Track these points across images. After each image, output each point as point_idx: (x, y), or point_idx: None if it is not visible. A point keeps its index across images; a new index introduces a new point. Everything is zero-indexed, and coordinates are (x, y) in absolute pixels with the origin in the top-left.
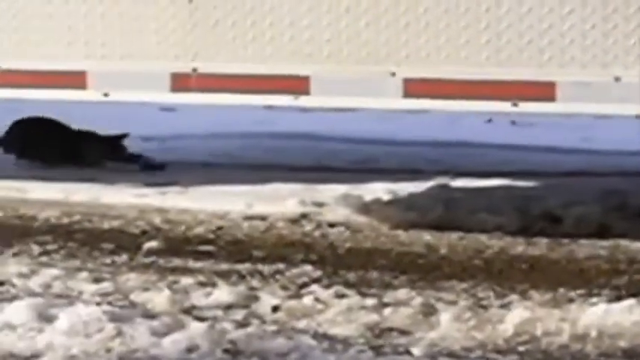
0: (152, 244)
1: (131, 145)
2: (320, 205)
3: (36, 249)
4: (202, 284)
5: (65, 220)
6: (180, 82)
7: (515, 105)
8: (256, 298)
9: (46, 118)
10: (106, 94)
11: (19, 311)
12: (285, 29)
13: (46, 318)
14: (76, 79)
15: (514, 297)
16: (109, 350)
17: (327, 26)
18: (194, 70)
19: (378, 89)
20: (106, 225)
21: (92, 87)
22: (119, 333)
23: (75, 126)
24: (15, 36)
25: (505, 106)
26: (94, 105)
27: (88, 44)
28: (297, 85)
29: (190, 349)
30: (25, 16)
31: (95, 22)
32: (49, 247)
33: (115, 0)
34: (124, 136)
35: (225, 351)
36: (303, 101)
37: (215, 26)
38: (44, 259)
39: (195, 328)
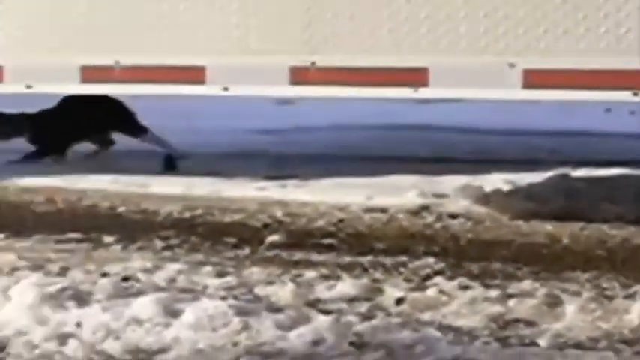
0: (274, 237)
1: (250, 139)
2: (440, 196)
3: (159, 243)
4: (326, 277)
5: (187, 215)
6: (299, 76)
7: (635, 94)
8: (380, 291)
9: None
10: (225, 88)
11: (145, 306)
12: (403, 21)
13: (172, 312)
14: (195, 74)
15: (639, 287)
16: (235, 344)
17: (446, 18)
18: (312, 63)
19: (497, 80)
20: (227, 219)
21: (211, 81)
22: (245, 327)
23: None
24: (135, 32)
25: (624, 96)
26: (213, 99)
27: (207, 39)
28: (416, 77)
29: (316, 342)
30: (144, 12)
31: (214, 16)
32: (172, 241)
33: None
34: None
35: (351, 343)
36: (423, 93)
37: (333, 19)
38: (167, 253)
39: (321, 321)
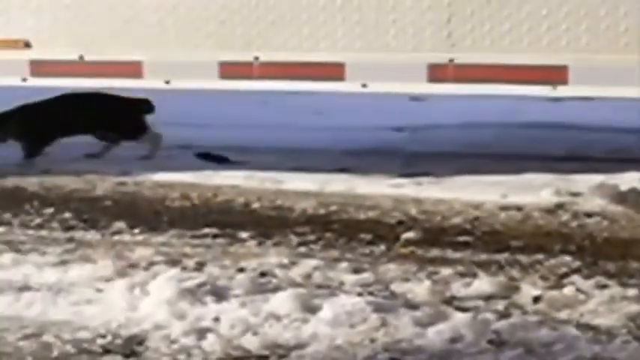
0: (409, 234)
1: (383, 136)
2: (576, 194)
3: (294, 239)
4: (462, 275)
5: (321, 211)
6: (437, 73)
7: None
8: (517, 289)
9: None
10: (364, 85)
11: (283, 302)
12: (542, 19)
13: (309, 308)
14: (334, 71)
15: None
16: (373, 341)
17: (584, 15)
18: (450, 60)
19: (636, 78)
20: (362, 215)
21: (350, 78)
22: (383, 323)
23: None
24: (274, 29)
25: None
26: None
27: (346, 36)
28: (555, 74)
29: (454, 340)
30: (284, 9)
31: (352, 14)
32: (308, 237)
33: None
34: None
35: (490, 341)
36: (562, 91)
37: (472, 17)
38: (303, 249)
39: (458, 318)
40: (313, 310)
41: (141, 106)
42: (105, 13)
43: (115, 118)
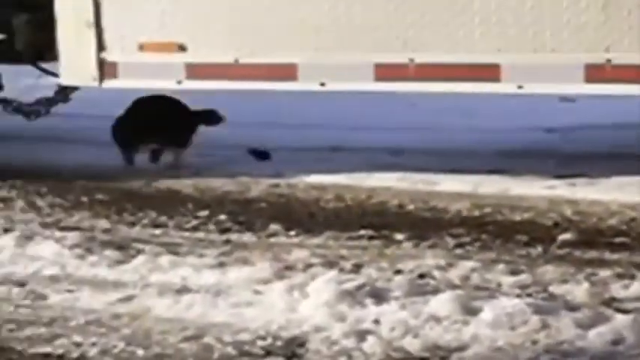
0: (566, 235)
1: (534, 137)
2: None
3: (450, 241)
4: (620, 276)
5: (476, 212)
6: (594, 74)
7: None
8: None
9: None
10: (520, 87)
11: (443, 303)
12: None
13: (469, 310)
14: (490, 72)
15: None
16: (534, 342)
17: None
18: (608, 61)
19: None
20: (517, 217)
21: (506, 80)
22: (544, 325)
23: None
24: (430, 30)
25: None
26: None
27: (502, 37)
28: None
29: (616, 342)
30: (439, 10)
31: (507, 15)
32: (463, 239)
33: None
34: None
35: None
36: None
37: (629, 16)
38: (459, 251)
39: (619, 320)
40: (473, 312)
41: (207, 117)
42: (260, 16)
43: (172, 126)
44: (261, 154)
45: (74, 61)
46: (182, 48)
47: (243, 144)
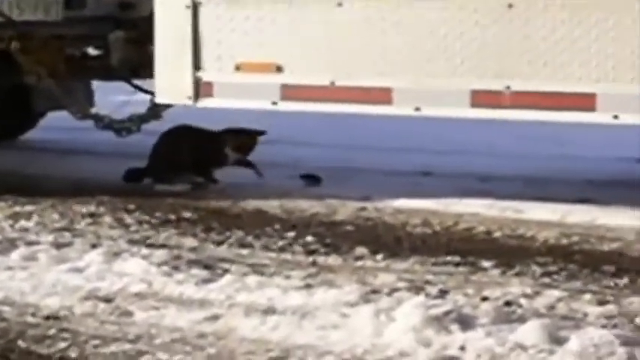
0: None
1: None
2: None
3: (537, 270)
4: None
5: (564, 241)
6: None
7: None
8: None
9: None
10: (615, 117)
11: (529, 332)
12: None
13: (555, 340)
14: (585, 101)
15: None
16: None
17: None
18: None
19: None
20: (605, 247)
21: (601, 109)
22: (631, 357)
23: None
24: (527, 58)
25: None
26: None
27: (599, 67)
28: None
29: None
30: (535, 38)
31: (607, 45)
32: (550, 268)
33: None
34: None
35: None
36: None
37: None
38: (546, 280)
39: None
40: (559, 341)
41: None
42: (357, 39)
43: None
44: (312, 179)
45: (169, 79)
46: (279, 69)
47: (331, 166)
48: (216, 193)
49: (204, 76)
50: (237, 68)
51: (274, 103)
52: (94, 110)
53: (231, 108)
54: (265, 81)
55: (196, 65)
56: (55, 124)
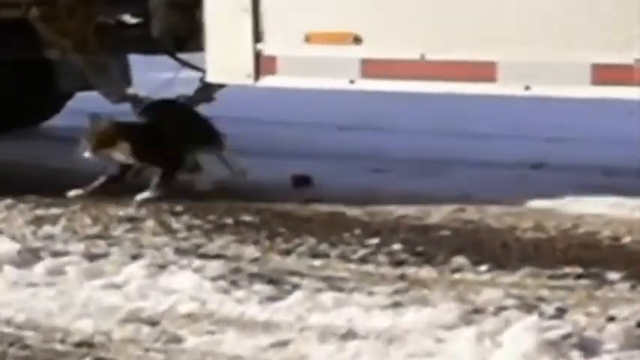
0: None
1: None
2: None
3: None
4: None
5: None
6: None
7: None
8: None
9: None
10: None
11: None
12: None
13: None
14: None
15: None
16: None
17: None
18: None
19: None
20: None
21: None
22: None
23: None
24: None
25: None
26: None
27: None
28: None
29: None
30: None
31: None
32: None
33: None
34: None
35: None
36: None
37: None
38: None
39: None
40: None
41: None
42: (453, 1)
43: None
44: (301, 181)
45: (224, 53)
46: (357, 40)
47: (422, 157)
48: (282, 191)
49: (267, 48)
50: (307, 39)
51: (352, 82)
52: (130, 91)
53: (298, 88)
54: (341, 55)
55: (257, 36)
56: (84, 107)
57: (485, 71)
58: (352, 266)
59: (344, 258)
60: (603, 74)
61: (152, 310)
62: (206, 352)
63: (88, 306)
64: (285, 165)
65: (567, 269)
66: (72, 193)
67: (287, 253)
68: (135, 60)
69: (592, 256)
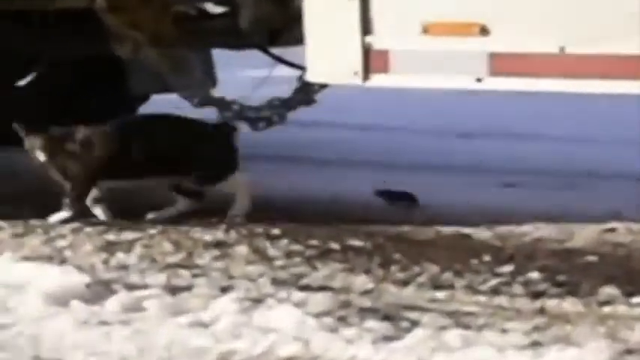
0: None
1: None
2: None
3: None
4: None
5: None
6: None
7: None
8: None
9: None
10: None
11: None
12: None
13: None
14: None
15: None
16: None
17: None
18: None
19: None
20: None
21: None
22: None
23: None
24: None
25: None
26: None
27: None
28: None
29: None
30: None
31: None
32: None
33: None
34: None
35: None
36: None
37: None
38: None
39: None
40: None
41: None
42: None
43: None
44: (394, 197)
45: (327, 47)
46: (484, 31)
47: (562, 169)
48: (397, 212)
49: (377, 42)
50: (425, 30)
51: (479, 80)
52: (216, 92)
53: (414, 88)
54: (465, 48)
55: (366, 27)
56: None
57: (632, 67)
58: (482, 299)
59: (472, 289)
60: None
61: (246, 352)
62: None
63: (170, 348)
64: (403, 178)
65: None
66: (150, 215)
67: (404, 283)
68: (220, 56)
69: None
